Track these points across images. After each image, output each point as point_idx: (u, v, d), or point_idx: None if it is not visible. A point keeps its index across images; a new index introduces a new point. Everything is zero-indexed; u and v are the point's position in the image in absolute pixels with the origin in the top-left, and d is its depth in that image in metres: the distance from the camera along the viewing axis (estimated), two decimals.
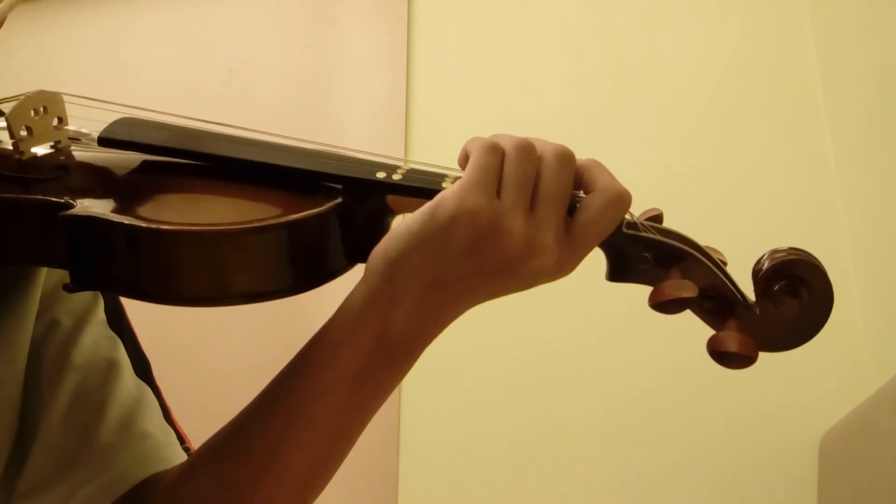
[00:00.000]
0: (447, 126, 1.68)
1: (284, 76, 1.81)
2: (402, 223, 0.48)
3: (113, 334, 0.64)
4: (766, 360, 1.54)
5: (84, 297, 0.64)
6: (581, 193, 0.50)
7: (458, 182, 0.47)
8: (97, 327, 0.63)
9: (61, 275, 0.61)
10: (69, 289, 0.50)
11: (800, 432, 1.32)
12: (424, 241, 0.47)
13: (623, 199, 0.48)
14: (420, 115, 1.70)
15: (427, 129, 1.69)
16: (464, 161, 0.50)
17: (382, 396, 0.52)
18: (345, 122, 1.74)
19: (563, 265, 0.49)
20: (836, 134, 1.46)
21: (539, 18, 1.71)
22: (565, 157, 0.48)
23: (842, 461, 1.19)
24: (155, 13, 1.94)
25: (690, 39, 1.62)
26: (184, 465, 0.58)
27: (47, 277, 0.62)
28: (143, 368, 0.67)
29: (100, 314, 0.65)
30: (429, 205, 0.47)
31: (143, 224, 0.47)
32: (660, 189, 1.52)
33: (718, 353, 0.50)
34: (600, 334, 1.43)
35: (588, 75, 1.64)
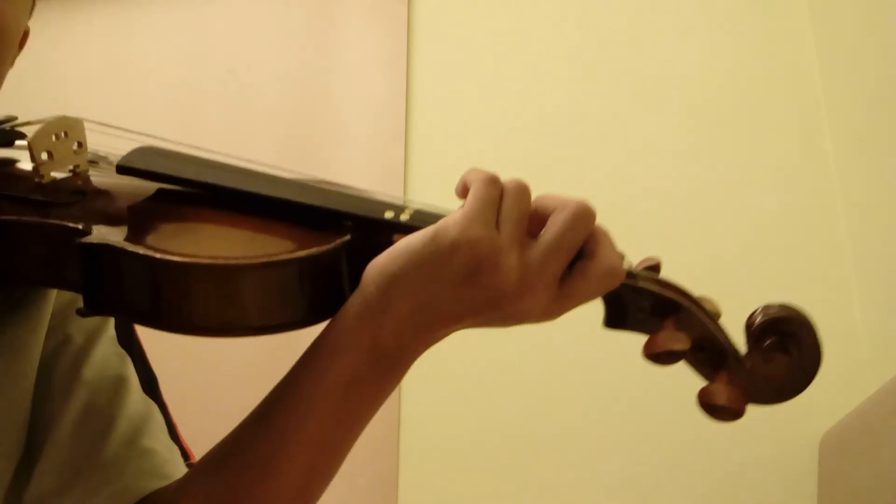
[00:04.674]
0: (447, 126, 1.68)
1: (284, 76, 1.81)
2: (403, 241, 0.49)
3: (122, 351, 0.65)
4: None
5: None
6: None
7: (460, 211, 0.49)
8: (107, 344, 0.64)
9: (73, 294, 0.61)
10: (82, 313, 0.50)
11: (800, 432, 1.31)
12: (423, 262, 0.48)
13: (616, 276, 0.50)
14: (420, 115, 1.70)
15: (427, 129, 1.69)
16: (462, 191, 0.51)
17: (374, 404, 0.53)
18: (345, 122, 1.74)
19: (550, 313, 0.50)
20: (836, 134, 1.46)
21: (539, 19, 1.71)
22: (582, 216, 0.49)
23: (842, 461, 1.19)
24: (155, 13, 1.94)
25: (690, 40, 1.61)
26: (184, 477, 0.59)
27: (59, 294, 0.63)
28: (150, 385, 0.67)
29: (110, 331, 0.66)
30: (431, 228, 0.48)
31: (157, 255, 0.48)
32: (659, 189, 1.52)
33: (709, 406, 0.51)
34: (600, 333, 1.42)
35: (587, 75, 1.64)
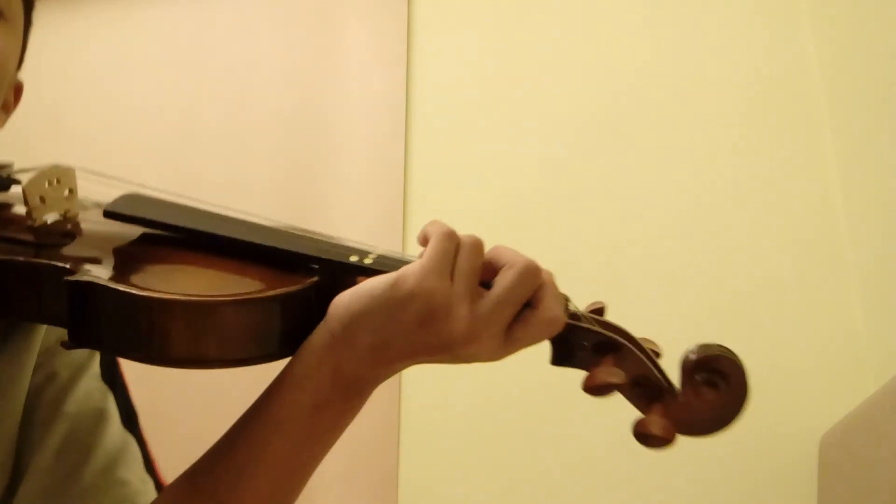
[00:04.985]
0: (447, 126, 1.68)
1: (284, 76, 1.81)
2: (367, 283, 0.54)
3: (105, 386, 0.69)
4: (767, 360, 1.55)
5: (82, 351, 0.68)
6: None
7: (419, 262, 0.53)
8: (91, 380, 0.68)
9: (61, 332, 0.66)
10: (67, 346, 0.55)
11: (800, 432, 1.32)
12: (383, 306, 0.53)
13: (556, 324, 0.55)
14: (420, 115, 1.70)
15: (427, 129, 1.69)
16: (423, 241, 0.56)
17: (336, 429, 0.57)
18: (345, 122, 1.74)
19: (496, 356, 0.57)
20: (837, 134, 1.46)
21: (539, 19, 1.71)
22: (528, 275, 0.54)
23: (842, 461, 1.19)
24: (155, 13, 1.94)
25: (690, 40, 1.61)
26: (155, 499, 0.62)
27: (47, 333, 0.67)
28: (130, 420, 0.70)
29: (94, 368, 0.69)
30: (392, 275, 0.53)
31: (138, 292, 0.52)
32: (659, 189, 1.52)
33: (642, 435, 0.56)
34: None
35: (587, 75, 1.64)
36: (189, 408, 1.45)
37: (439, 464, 1.46)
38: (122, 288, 0.52)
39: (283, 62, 1.82)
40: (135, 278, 0.55)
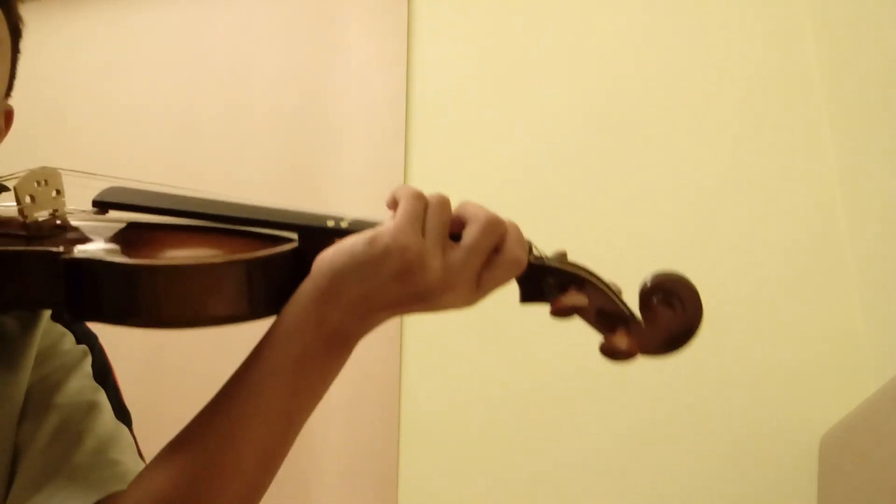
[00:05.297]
0: (447, 126, 1.68)
1: (284, 76, 1.81)
2: (347, 241, 0.59)
3: (96, 385, 0.72)
4: (767, 360, 1.55)
5: (74, 354, 0.72)
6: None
7: (392, 222, 0.58)
8: (82, 378, 0.71)
9: (55, 338, 0.71)
10: (67, 322, 0.59)
11: (800, 432, 1.32)
12: (362, 263, 0.57)
13: (520, 265, 0.60)
14: (420, 115, 1.70)
15: (427, 129, 1.69)
16: (392, 204, 0.61)
17: (324, 380, 0.61)
18: (345, 122, 1.74)
19: (470, 302, 0.60)
20: (837, 134, 1.46)
21: (539, 18, 1.71)
22: (492, 226, 0.59)
23: (842, 461, 1.19)
24: (155, 13, 1.94)
25: (690, 39, 1.61)
26: (149, 462, 0.63)
27: (42, 339, 0.70)
28: (123, 418, 0.72)
29: (86, 368, 0.72)
30: (369, 233, 0.58)
31: (135, 261, 0.58)
32: (658, 189, 1.52)
33: (609, 350, 0.62)
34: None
35: (587, 75, 1.64)
36: (189, 408, 1.45)
37: (439, 464, 1.46)
38: (118, 260, 0.58)
39: (283, 62, 1.83)
40: (127, 254, 0.60)
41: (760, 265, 1.43)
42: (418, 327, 1.53)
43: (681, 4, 1.64)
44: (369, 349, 1.57)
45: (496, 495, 1.42)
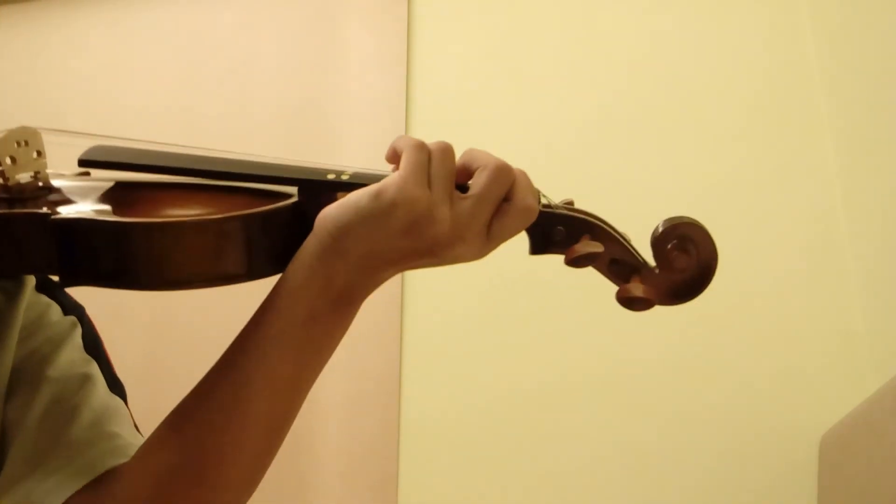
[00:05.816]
0: (447, 125, 1.68)
1: (284, 75, 1.81)
2: (352, 196, 0.56)
3: (88, 357, 0.68)
4: (766, 360, 1.54)
5: (62, 325, 0.68)
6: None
7: (397, 174, 0.56)
8: (73, 351, 0.68)
9: (41, 309, 0.67)
10: (60, 285, 0.55)
11: (800, 432, 1.32)
12: (368, 217, 0.55)
13: (531, 212, 0.58)
14: (420, 115, 1.70)
15: (427, 129, 1.69)
16: (392, 157, 0.59)
17: (330, 341, 0.58)
18: (345, 122, 1.74)
19: (480, 254, 0.58)
20: (837, 134, 1.46)
21: (539, 18, 1.71)
22: (501, 173, 0.57)
23: (842, 461, 1.19)
24: (155, 13, 1.94)
25: (690, 39, 1.61)
26: (151, 434, 0.61)
27: (27, 311, 0.66)
28: (117, 390, 0.69)
29: (76, 340, 0.69)
30: (374, 187, 0.55)
31: (125, 220, 0.54)
32: (658, 187, 1.52)
33: (625, 299, 0.60)
34: (602, 336, 1.43)
35: (587, 75, 1.64)
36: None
37: (439, 464, 1.46)
38: (110, 219, 0.55)
39: (284, 62, 1.82)
40: (117, 214, 0.57)
41: (760, 265, 1.43)
42: (418, 327, 1.52)
43: (680, 5, 1.63)
44: (369, 349, 1.57)
45: (496, 495, 1.42)
